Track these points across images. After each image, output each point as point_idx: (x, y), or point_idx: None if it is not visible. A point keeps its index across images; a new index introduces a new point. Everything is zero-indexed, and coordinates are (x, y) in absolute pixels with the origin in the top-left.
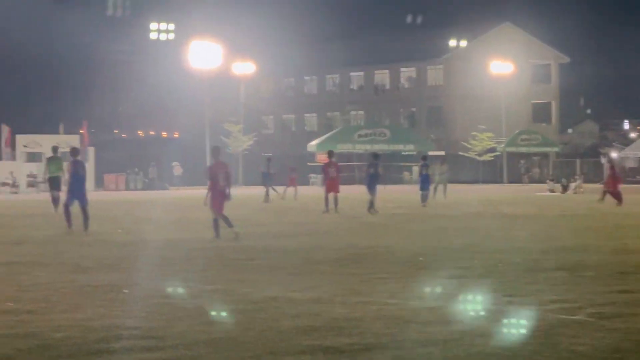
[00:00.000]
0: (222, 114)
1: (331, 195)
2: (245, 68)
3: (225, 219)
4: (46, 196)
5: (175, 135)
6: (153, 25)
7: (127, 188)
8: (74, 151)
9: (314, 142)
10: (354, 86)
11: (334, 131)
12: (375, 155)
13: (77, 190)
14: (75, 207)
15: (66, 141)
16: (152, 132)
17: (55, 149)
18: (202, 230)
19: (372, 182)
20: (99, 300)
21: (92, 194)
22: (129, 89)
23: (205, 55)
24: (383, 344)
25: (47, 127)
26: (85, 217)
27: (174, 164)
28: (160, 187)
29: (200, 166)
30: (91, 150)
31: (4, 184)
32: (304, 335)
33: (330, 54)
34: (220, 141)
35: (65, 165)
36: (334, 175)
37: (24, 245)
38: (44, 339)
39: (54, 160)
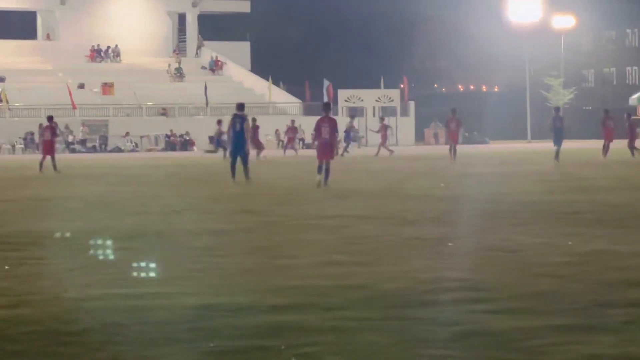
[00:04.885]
0: (542, 68)
1: None
2: (565, 21)
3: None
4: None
5: (495, 89)
6: None
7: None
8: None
9: (635, 96)
10: None
11: None
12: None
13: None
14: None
15: (387, 95)
16: (472, 87)
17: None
18: (527, 183)
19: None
20: (426, 252)
21: (413, 148)
22: (448, 43)
23: (525, 8)
24: None
25: (368, 81)
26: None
27: None
28: (479, 142)
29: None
30: (411, 105)
31: None
32: (630, 288)
33: None
34: (540, 95)
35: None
36: None
37: (349, 200)
38: (375, 290)
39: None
